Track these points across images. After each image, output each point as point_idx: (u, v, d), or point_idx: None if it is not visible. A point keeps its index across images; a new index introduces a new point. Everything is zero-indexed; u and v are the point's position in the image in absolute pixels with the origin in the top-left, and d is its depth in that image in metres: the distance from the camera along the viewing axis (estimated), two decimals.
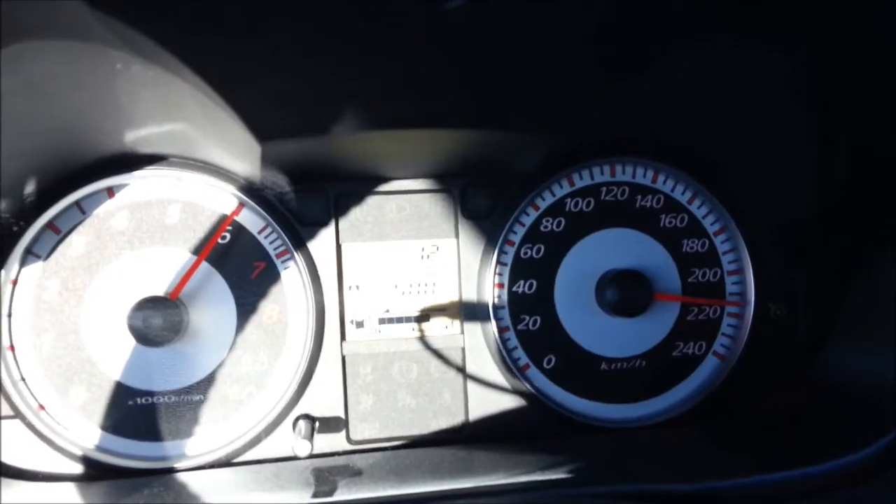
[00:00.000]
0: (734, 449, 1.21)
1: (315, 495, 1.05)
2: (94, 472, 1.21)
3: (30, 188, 1.17)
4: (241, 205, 1.26)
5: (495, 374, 1.33)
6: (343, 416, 1.30)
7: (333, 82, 1.08)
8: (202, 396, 1.25)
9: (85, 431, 1.22)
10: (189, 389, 1.24)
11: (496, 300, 1.33)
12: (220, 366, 1.25)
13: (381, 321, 1.33)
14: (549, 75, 1.11)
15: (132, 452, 1.22)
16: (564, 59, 1.07)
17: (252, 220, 1.27)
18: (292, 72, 1.04)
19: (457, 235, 1.34)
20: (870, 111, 1.13)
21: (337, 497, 1.04)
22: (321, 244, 1.30)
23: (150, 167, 1.23)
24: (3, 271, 1.19)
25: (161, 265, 1.24)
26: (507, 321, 1.33)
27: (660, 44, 1.07)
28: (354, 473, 1.13)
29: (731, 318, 1.37)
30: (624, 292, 1.30)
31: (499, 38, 1.01)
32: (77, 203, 1.22)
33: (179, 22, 0.92)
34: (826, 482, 1.00)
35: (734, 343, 1.37)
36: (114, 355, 1.22)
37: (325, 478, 1.11)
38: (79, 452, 1.21)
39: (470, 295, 1.34)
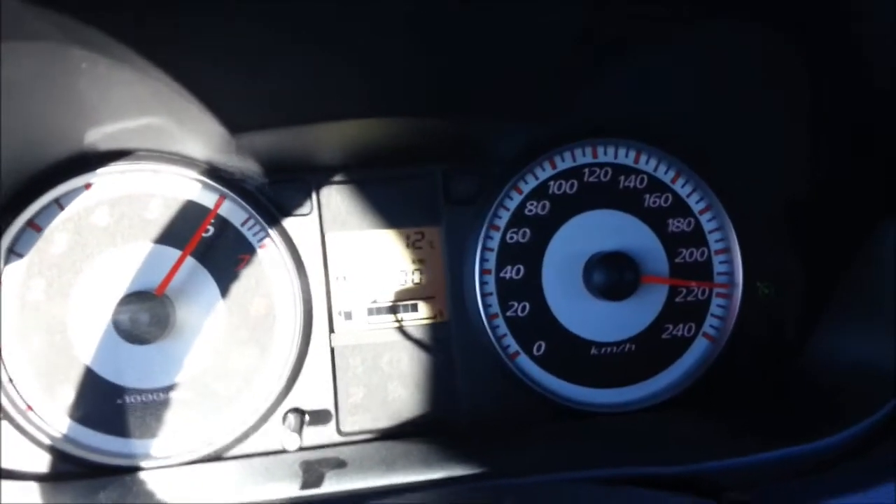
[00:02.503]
0: (725, 430, 1.20)
1: (304, 487, 1.04)
2: (84, 470, 1.20)
3: (7, 188, 1.17)
4: (223, 197, 1.25)
5: (485, 362, 1.32)
6: (333, 408, 1.29)
7: (304, 73, 1.08)
8: (191, 392, 1.24)
9: (73, 431, 1.21)
10: (177, 386, 1.24)
11: (484, 287, 1.32)
12: (208, 361, 1.25)
13: (370, 311, 1.32)
14: (529, 61, 1.11)
15: (122, 450, 1.22)
16: (545, 45, 1.07)
17: (234, 212, 1.26)
18: (263, 63, 1.04)
19: (441, 222, 1.33)
20: (860, 90, 1.13)
21: (326, 488, 1.04)
22: (305, 235, 1.29)
23: (127, 161, 1.23)
24: None
25: (145, 261, 1.23)
26: (496, 308, 1.33)
27: (644, 28, 1.07)
28: (344, 465, 1.13)
29: (719, 299, 1.37)
30: (611, 275, 1.29)
31: (477, 25, 1.01)
32: (56, 200, 1.21)
33: (143, 16, 0.91)
34: (816, 461, 1.00)
35: (724, 324, 1.36)
36: (101, 354, 1.22)
37: (315, 470, 1.11)
38: (68, 452, 1.20)
39: (457, 282, 1.33)
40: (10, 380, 1.20)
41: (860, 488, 0.90)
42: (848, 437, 1.01)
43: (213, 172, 1.25)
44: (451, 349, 1.33)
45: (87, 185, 1.22)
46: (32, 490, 1.12)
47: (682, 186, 1.36)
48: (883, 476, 0.92)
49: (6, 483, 1.14)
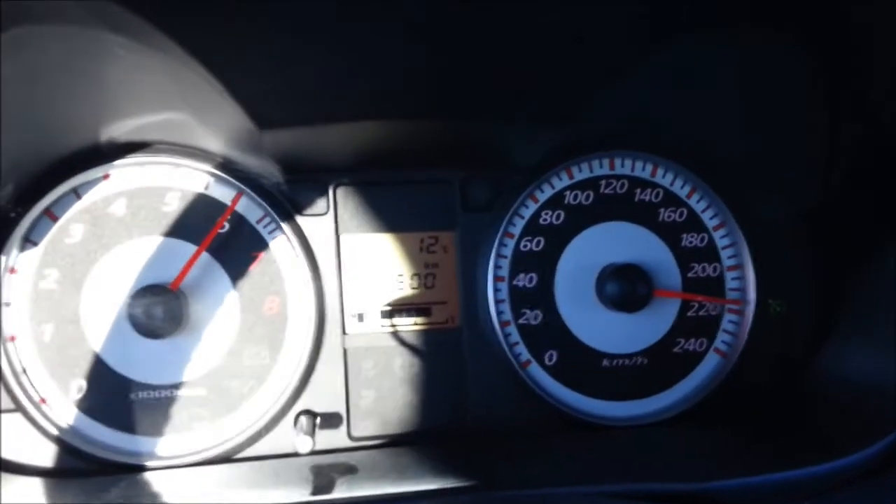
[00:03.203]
0: (736, 446, 1.20)
1: (315, 493, 1.03)
2: (93, 467, 1.19)
3: (25, 175, 1.16)
4: (240, 193, 1.25)
5: (496, 369, 1.32)
6: (344, 411, 1.28)
7: (331, 72, 1.07)
8: (203, 390, 1.23)
9: (85, 426, 1.20)
10: (190, 383, 1.23)
11: (497, 294, 1.32)
12: (220, 359, 1.24)
13: (382, 314, 1.31)
14: (550, 68, 1.11)
15: (133, 448, 1.21)
16: (566, 52, 1.07)
17: (251, 209, 1.26)
18: (292, 60, 1.03)
19: (457, 227, 1.33)
20: (875, 106, 1.13)
21: (337, 494, 1.03)
22: (320, 235, 1.29)
23: (147, 153, 1.23)
24: (1, 258, 1.18)
25: (160, 255, 1.22)
26: (509, 315, 1.32)
27: (661, 37, 1.06)
28: (355, 471, 1.12)
29: (731, 315, 1.36)
30: (624, 287, 1.29)
31: (500, 30, 1.01)
32: (74, 190, 1.21)
33: (180, 8, 0.91)
34: (828, 481, 0.99)
35: (735, 339, 1.36)
36: (114, 347, 1.20)
37: (326, 475, 1.10)
38: (79, 448, 1.19)
39: (470, 288, 1.33)
40: (24, 370, 1.18)
41: None
42: (860, 458, 1.00)
43: (232, 169, 1.24)
44: (462, 355, 1.32)
45: (106, 176, 1.22)
46: (43, 486, 1.11)
47: (698, 202, 1.36)
48: (894, 499, 0.92)
49: (16, 478, 1.13)
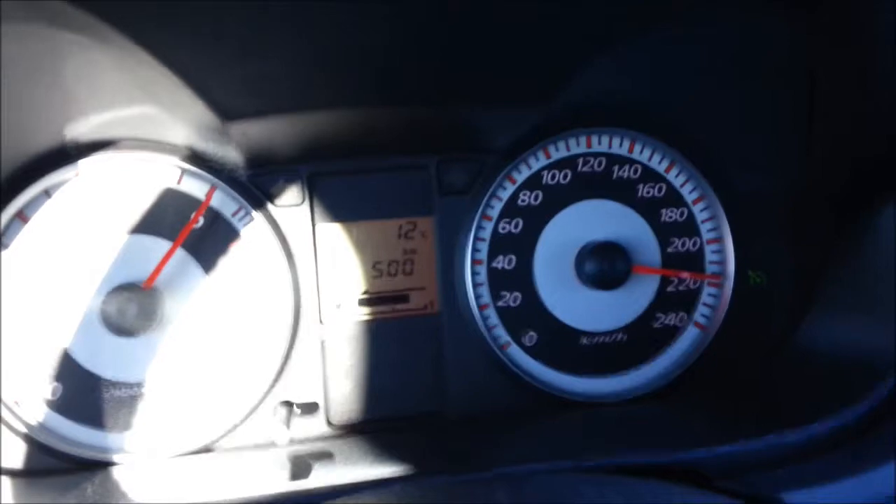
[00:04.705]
0: (716, 419, 1.21)
1: (294, 480, 1.04)
2: (71, 465, 1.19)
3: None
4: (214, 188, 1.24)
5: (476, 352, 1.32)
6: (322, 400, 1.29)
7: (296, 60, 1.07)
8: (180, 385, 1.23)
9: (59, 425, 1.20)
10: (166, 378, 1.22)
11: (475, 277, 1.31)
12: (197, 353, 1.23)
13: (360, 302, 1.31)
14: (525, 48, 1.10)
15: (110, 445, 1.21)
16: (541, 33, 1.07)
17: (225, 202, 1.25)
18: (255, 51, 1.03)
19: (434, 212, 1.32)
20: (856, 86, 1.13)
21: (316, 482, 1.03)
22: (296, 225, 1.28)
23: (117, 151, 1.21)
24: None
25: (134, 252, 1.21)
26: (487, 298, 1.32)
27: (636, 14, 1.06)
28: (333, 458, 1.12)
29: (711, 288, 1.36)
30: (603, 265, 1.29)
31: (473, 11, 1.00)
32: (46, 191, 1.20)
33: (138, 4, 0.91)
34: (805, 449, 1.00)
35: (715, 313, 1.36)
36: (88, 346, 1.20)
37: (304, 463, 1.10)
38: (54, 447, 1.19)
39: (449, 273, 1.33)
40: None
41: (849, 475, 0.90)
42: (837, 425, 1.01)
43: (204, 162, 1.23)
44: (441, 340, 1.32)
45: (77, 175, 1.20)
46: (18, 485, 1.11)
47: (676, 176, 1.35)
48: (872, 463, 0.92)
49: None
